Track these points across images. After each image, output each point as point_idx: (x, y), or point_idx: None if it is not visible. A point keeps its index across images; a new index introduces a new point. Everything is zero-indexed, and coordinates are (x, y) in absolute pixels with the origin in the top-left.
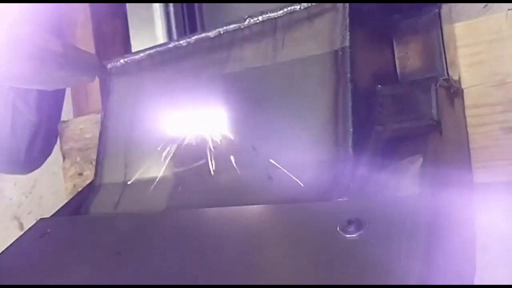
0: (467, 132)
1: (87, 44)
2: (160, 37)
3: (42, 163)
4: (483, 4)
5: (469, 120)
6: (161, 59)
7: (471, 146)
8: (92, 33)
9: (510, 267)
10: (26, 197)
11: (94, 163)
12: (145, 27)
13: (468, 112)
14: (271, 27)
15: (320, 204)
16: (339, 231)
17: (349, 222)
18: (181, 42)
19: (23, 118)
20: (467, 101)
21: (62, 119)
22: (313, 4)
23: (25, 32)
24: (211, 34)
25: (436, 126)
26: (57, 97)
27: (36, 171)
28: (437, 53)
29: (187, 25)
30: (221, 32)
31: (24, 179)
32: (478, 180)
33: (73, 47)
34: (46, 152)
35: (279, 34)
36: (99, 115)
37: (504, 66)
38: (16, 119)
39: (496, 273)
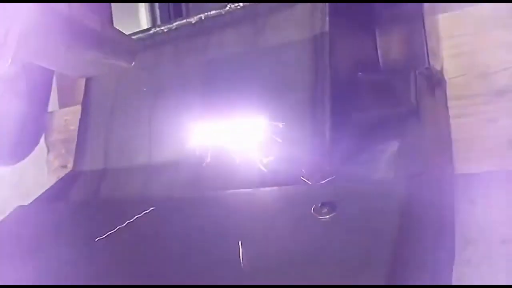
0: (449, 122)
1: None
2: (144, 25)
3: (30, 153)
4: None
5: (451, 111)
6: (142, 46)
7: (453, 136)
8: None
9: (492, 262)
10: (12, 190)
11: None
12: (129, 15)
13: (450, 103)
14: (253, 13)
15: (296, 187)
16: (313, 213)
17: (323, 205)
18: (163, 28)
19: (13, 109)
20: (450, 92)
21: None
22: None
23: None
24: (193, 20)
25: (415, 112)
26: (46, 87)
27: (22, 164)
28: (419, 43)
29: (172, 16)
30: (203, 18)
31: (9, 173)
32: (460, 171)
33: (112, 27)
34: (33, 143)
35: (260, 20)
36: None
37: (487, 58)
38: (5, 110)
39: (478, 268)
